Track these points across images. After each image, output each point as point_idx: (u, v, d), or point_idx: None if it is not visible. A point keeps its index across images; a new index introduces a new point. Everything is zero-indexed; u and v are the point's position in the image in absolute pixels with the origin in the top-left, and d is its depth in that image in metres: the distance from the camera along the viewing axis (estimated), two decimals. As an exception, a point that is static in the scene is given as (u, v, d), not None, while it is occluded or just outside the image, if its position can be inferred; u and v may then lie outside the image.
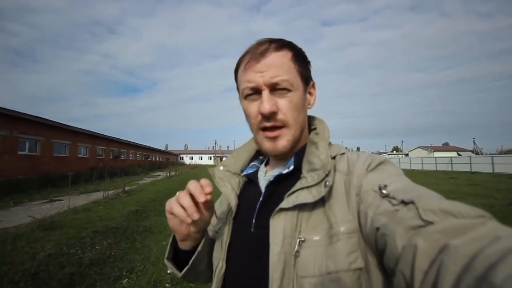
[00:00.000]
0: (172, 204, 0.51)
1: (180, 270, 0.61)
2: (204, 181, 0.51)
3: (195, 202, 0.50)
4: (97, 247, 4.36)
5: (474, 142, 57.52)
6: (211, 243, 0.64)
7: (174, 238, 0.61)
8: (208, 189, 0.50)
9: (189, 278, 0.63)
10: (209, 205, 0.53)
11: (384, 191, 0.42)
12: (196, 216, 0.49)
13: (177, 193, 0.52)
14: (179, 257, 0.62)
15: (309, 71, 0.60)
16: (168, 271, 0.63)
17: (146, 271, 3.56)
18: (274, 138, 0.55)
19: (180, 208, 0.50)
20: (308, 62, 0.61)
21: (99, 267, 3.62)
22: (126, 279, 3.33)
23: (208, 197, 0.50)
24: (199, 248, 0.58)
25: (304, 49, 0.61)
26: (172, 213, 0.52)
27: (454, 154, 45.14)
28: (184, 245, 0.58)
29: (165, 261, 0.63)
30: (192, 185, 0.51)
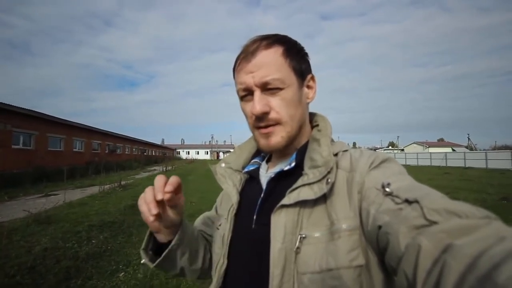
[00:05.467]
0: (140, 200, 0.52)
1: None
2: (172, 178, 0.51)
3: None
4: (93, 241, 4.36)
5: (468, 138, 58.15)
6: (194, 238, 0.63)
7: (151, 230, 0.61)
8: (169, 187, 0.50)
9: (170, 271, 0.63)
10: (172, 204, 0.52)
11: (387, 189, 0.42)
12: (154, 211, 0.49)
13: (146, 189, 0.52)
14: (161, 250, 0.60)
15: (306, 63, 0.59)
16: (142, 261, 0.62)
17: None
18: (267, 134, 0.55)
19: (144, 205, 0.51)
20: (304, 54, 0.59)
21: (95, 261, 3.62)
22: (123, 273, 3.34)
23: (167, 195, 0.49)
24: (173, 242, 0.57)
25: (303, 44, 0.59)
26: (140, 207, 0.53)
27: (448, 149, 45.62)
28: (159, 237, 0.58)
29: (140, 251, 0.61)
30: (156, 181, 0.51)
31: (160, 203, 0.51)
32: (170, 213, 0.54)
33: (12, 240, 4.22)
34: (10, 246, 3.92)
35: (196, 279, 0.69)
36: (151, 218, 0.50)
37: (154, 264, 0.59)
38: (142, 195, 0.53)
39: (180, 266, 0.62)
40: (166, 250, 0.57)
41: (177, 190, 0.52)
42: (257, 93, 0.53)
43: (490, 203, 6.89)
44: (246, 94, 0.55)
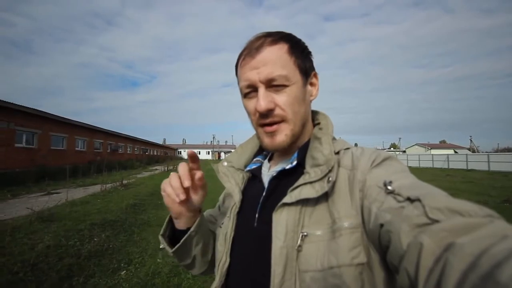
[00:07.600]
0: (165, 184, 0.56)
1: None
2: (193, 165, 0.56)
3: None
4: (95, 239, 4.38)
5: (471, 140, 57.83)
6: (207, 230, 0.66)
7: (171, 217, 0.64)
8: (198, 174, 0.55)
9: (183, 260, 0.65)
10: (199, 186, 0.57)
11: (389, 187, 0.42)
12: (182, 197, 0.53)
13: (171, 174, 0.56)
14: (176, 238, 0.63)
15: (310, 61, 0.59)
16: (161, 246, 0.65)
17: (144, 263, 3.58)
18: (272, 133, 0.55)
19: (170, 188, 0.55)
20: (308, 53, 0.59)
21: (97, 259, 3.64)
22: (125, 271, 3.36)
23: (188, 183, 0.53)
24: (191, 228, 0.60)
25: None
26: (165, 191, 0.56)
27: (451, 151, 45.33)
28: (178, 224, 0.61)
29: (159, 237, 0.65)
30: (181, 168, 0.55)
31: (186, 189, 0.54)
32: (194, 197, 0.58)
33: (15, 237, 4.24)
34: (13, 244, 3.94)
35: (201, 274, 0.71)
36: (178, 200, 0.54)
37: (173, 249, 0.62)
38: (166, 180, 0.56)
39: (194, 254, 0.64)
40: (186, 235, 0.60)
41: (200, 179, 0.56)
42: (262, 90, 0.53)
43: (492, 206, 6.83)
44: (250, 91, 0.55)
